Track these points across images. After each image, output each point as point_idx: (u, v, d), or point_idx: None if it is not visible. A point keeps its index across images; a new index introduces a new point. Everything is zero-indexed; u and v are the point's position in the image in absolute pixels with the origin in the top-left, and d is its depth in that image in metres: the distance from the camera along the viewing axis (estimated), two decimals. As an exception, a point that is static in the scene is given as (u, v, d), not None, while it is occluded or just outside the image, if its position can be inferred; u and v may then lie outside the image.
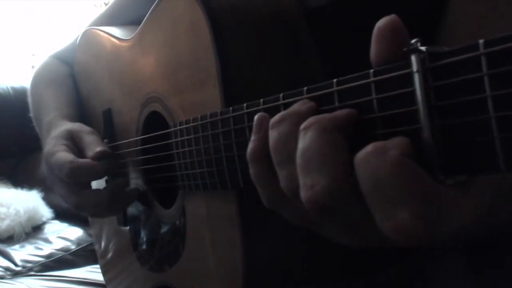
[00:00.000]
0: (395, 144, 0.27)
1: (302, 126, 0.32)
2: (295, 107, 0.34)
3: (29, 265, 1.57)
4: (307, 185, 0.31)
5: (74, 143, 0.68)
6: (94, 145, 0.66)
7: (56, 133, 0.70)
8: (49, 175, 0.68)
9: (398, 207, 0.26)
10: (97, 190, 0.68)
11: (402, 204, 0.26)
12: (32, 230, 1.81)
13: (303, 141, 0.31)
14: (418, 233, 0.26)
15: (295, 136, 0.32)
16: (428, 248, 0.37)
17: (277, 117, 0.34)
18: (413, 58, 0.27)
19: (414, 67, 0.27)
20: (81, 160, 0.64)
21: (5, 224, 1.75)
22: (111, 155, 0.66)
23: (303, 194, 0.31)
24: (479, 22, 0.47)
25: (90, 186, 0.68)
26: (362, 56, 0.32)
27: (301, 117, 0.33)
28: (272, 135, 0.34)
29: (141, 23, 0.64)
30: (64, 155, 0.65)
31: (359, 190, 0.28)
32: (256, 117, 0.37)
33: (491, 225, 0.36)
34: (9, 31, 3.10)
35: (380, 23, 0.29)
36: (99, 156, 0.64)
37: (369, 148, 0.28)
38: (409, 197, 0.26)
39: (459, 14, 0.49)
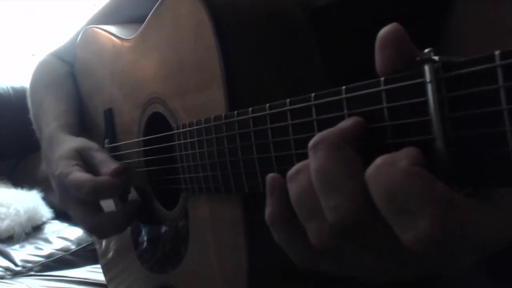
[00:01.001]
0: (404, 155, 0.27)
1: (310, 145, 0.31)
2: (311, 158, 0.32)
3: (29, 265, 1.57)
4: (331, 207, 0.30)
5: (83, 161, 0.68)
6: (109, 162, 0.66)
7: (62, 153, 0.69)
8: (64, 197, 0.67)
9: (416, 216, 0.26)
10: (114, 212, 0.68)
11: (419, 213, 0.26)
12: (32, 230, 1.81)
13: (315, 162, 0.30)
14: (440, 239, 0.26)
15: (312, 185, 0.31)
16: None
17: (293, 170, 0.33)
18: (427, 68, 0.27)
19: (428, 77, 0.27)
20: (100, 178, 0.64)
21: (5, 224, 1.75)
22: (128, 170, 0.66)
23: (329, 216, 0.30)
24: (485, 23, 0.46)
25: (103, 209, 0.68)
26: (364, 56, 0.32)
27: None
28: (291, 190, 0.33)
29: (139, 21, 0.63)
30: (81, 175, 0.64)
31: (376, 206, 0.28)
32: (267, 178, 0.35)
33: None
34: (9, 31, 3.10)
35: (383, 31, 0.29)
36: (118, 173, 0.64)
37: (378, 161, 0.27)
38: (425, 205, 0.26)
39: (465, 14, 0.48)
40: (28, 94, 0.91)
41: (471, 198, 0.27)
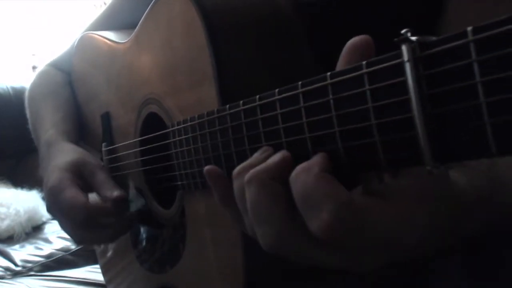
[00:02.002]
0: (316, 162, 0.33)
1: (245, 180, 0.36)
2: (252, 159, 0.38)
3: (29, 265, 1.57)
4: (260, 235, 0.36)
5: (79, 176, 0.67)
6: (110, 186, 0.65)
7: (58, 163, 0.69)
8: (53, 209, 0.67)
9: (320, 210, 0.31)
10: (105, 229, 0.67)
11: (323, 207, 0.31)
12: (32, 230, 1.81)
13: (248, 195, 0.36)
14: (338, 230, 0.31)
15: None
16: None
17: (236, 169, 0.38)
18: (404, 47, 0.28)
19: (405, 56, 0.28)
20: (97, 205, 0.63)
21: (5, 224, 1.75)
22: (126, 198, 0.65)
23: (260, 241, 0.36)
24: (478, 19, 0.47)
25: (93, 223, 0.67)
26: None
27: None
28: (234, 186, 0.38)
29: (136, 26, 0.64)
30: (75, 196, 0.63)
31: (305, 227, 0.33)
32: (204, 171, 0.41)
33: (461, 234, 0.39)
34: (9, 31, 3.10)
35: (354, 39, 0.33)
36: (117, 201, 0.63)
37: (298, 168, 0.33)
38: (328, 201, 0.31)
39: (457, 12, 0.49)
40: (26, 104, 0.91)
41: (368, 197, 0.32)
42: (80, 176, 0.67)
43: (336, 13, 0.54)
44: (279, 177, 0.35)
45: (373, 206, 0.32)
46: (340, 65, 0.33)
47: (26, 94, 0.92)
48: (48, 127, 0.79)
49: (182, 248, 0.59)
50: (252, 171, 0.36)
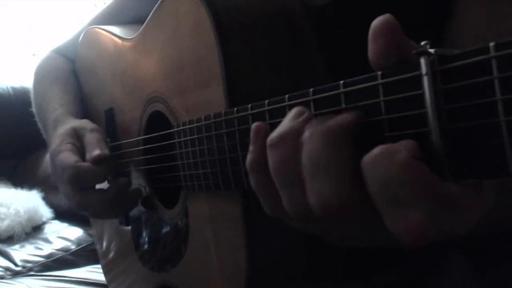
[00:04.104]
0: (403, 147, 0.27)
1: (307, 129, 0.31)
2: (291, 124, 0.33)
3: (29, 265, 1.57)
4: (316, 189, 0.30)
5: (79, 141, 0.68)
6: (93, 147, 0.66)
7: (62, 130, 0.70)
8: (54, 173, 0.68)
9: (409, 208, 0.26)
10: (100, 190, 0.68)
11: (413, 205, 0.26)
12: (32, 230, 1.81)
13: (310, 145, 0.31)
14: (431, 234, 0.26)
15: (296, 158, 0.32)
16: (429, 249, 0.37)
17: (275, 137, 0.33)
18: (422, 60, 0.27)
19: (423, 69, 0.27)
20: (83, 165, 0.64)
21: (5, 224, 1.75)
22: (109, 159, 0.65)
23: (312, 197, 0.31)
24: (485, 23, 0.47)
25: (93, 186, 0.68)
26: (365, 55, 0.32)
27: (300, 135, 0.32)
28: (272, 157, 0.33)
29: (141, 21, 0.64)
30: (68, 156, 0.64)
31: (367, 193, 0.28)
32: (252, 127, 0.36)
33: (489, 224, 0.36)
34: (9, 31, 3.10)
35: (376, 22, 0.29)
36: (97, 161, 0.64)
37: (376, 150, 0.28)
38: (421, 198, 0.26)
39: (465, 15, 0.49)
40: (32, 87, 0.91)
41: (464, 189, 0.27)
42: (78, 139, 0.68)
43: (344, 15, 0.54)
44: (351, 136, 0.30)
45: (471, 199, 0.27)
46: (370, 52, 0.30)
47: (32, 77, 0.92)
48: (57, 107, 0.79)
49: (184, 248, 0.59)
50: (317, 122, 0.31)
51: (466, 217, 0.27)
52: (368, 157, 0.28)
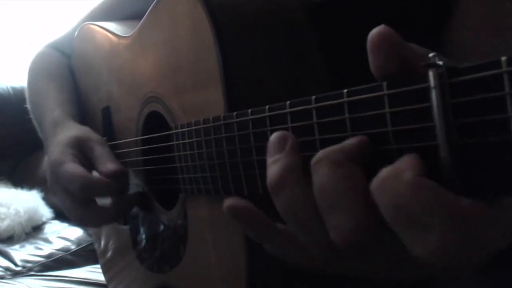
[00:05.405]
0: (408, 165, 0.26)
1: (313, 161, 0.30)
2: (286, 161, 0.31)
3: (29, 265, 1.57)
4: (333, 226, 0.29)
5: (81, 152, 0.66)
6: (106, 160, 0.64)
7: (62, 138, 0.68)
8: (53, 183, 0.66)
9: (426, 230, 0.25)
10: (104, 208, 0.66)
11: (429, 226, 0.25)
12: (32, 230, 1.82)
13: (317, 179, 0.29)
14: (456, 253, 0.25)
15: (304, 198, 0.30)
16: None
17: (276, 178, 0.31)
18: (431, 73, 0.26)
19: (432, 82, 0.26)
20: (95, 177, 0.62)
21: (5, 224, 1.75)
22: (126, 174, 0.64)
23: (332, 235, 0.29)
24: (485, 23, 0.46)
25: (95, 201, 0.66)
26: (365, 54, 0.31)
27: (299, 171, 0.31)
28: (280, 200, 0.31)
29: (137, 18, 0.63)
30: (75, 167, 0.63)
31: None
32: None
33: None
34: (9, 31, 3.10)
35: (372, 34, 0.28)
36: (113, 175, 0.62)
37: (382, 174, 0.26)
38: (435, 216, 0.25)
39: (466, 14, 0.48)
40: (26, 83, 0.90)
41: (478, 203, 0.25)
42: (80, 150, 0.67)
43: (344, 14, 0.54)
44: (357, 161, 0.29)
45: (489, 212, 0.26)
46: (371, 66, 0.29)
47: (27, 73, 0.91)
48: (53, 107, 0.78)
49: (183, 250, 0.58)
50: (321, 152, 0.29)
51: (493, 231, 0.26)
52: (375, 182, 0.27)
